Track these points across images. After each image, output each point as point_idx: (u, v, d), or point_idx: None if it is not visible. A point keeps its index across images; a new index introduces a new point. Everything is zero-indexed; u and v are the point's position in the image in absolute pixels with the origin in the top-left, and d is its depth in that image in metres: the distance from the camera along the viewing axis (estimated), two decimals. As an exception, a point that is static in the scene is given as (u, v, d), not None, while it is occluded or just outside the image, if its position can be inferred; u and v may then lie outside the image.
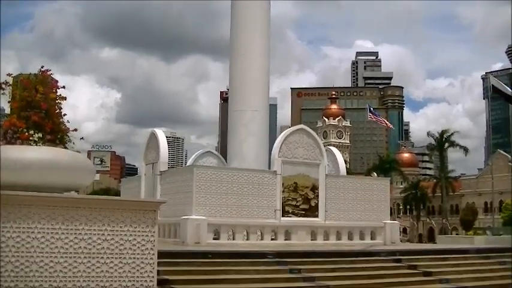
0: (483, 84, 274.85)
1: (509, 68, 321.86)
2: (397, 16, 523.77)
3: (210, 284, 16.52)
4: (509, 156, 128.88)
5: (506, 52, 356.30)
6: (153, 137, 30.59)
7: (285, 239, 28.03)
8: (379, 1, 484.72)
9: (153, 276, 12.98)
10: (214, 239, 26.11)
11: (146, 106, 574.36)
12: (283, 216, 27.91)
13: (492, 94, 65.85)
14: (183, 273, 16.78)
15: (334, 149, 33.72)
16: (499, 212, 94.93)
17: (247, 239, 26.98)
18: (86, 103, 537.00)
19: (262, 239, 27.46)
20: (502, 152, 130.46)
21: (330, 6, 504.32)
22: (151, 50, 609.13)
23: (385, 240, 30.75)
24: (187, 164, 35.00)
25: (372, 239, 30.56)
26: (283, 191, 28.04)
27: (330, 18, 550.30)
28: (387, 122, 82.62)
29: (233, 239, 26.64)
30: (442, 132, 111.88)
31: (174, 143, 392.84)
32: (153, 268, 13.02)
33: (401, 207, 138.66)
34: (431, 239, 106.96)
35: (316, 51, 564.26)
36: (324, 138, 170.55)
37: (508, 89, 56.49)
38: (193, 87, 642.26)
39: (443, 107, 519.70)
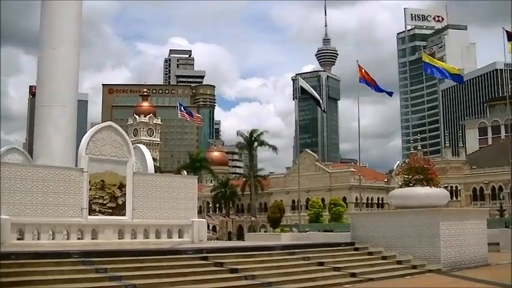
0: (293, 85, 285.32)
1: (319, 71, 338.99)
2: (214, 15, 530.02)
3: (13, 287, 15.94)
4: (316, 156, 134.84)
5: (316, 55, 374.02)
6: (-47, 133, 29.06)
7: (92, 238, 27.57)
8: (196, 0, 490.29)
9: None
10: (18, 239, 25.22)
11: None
12: (89, 214, 27.44)
13: (300, 95, 69.41)
14: (-18, 275, 16.09)
15: (143, 147, 33.49)
16: (306, 210, 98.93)
17: (52, 239, 26.27)
18: None
19: (68, 239, 26.84)
20: (309, 151, 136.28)
21: (148, 2, 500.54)
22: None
23: (193, 238, 31.09)
24: (-10, 161, 33.55)
25: (179, 237, 30.78)
26: (90, 189, 27.58)
27: (148, 14, 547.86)
28: (198, 116, 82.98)
29: (38, 239, 25.84)
30: (252, 132, 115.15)
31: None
32: None
33: (211, 205, 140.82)
34: (240, 236, 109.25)
35: (132, 48, 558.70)
36: (134, 135, 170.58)
37: (313, 91, 59.47)
38: (4, 81, 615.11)
39: (255, 106, 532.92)
